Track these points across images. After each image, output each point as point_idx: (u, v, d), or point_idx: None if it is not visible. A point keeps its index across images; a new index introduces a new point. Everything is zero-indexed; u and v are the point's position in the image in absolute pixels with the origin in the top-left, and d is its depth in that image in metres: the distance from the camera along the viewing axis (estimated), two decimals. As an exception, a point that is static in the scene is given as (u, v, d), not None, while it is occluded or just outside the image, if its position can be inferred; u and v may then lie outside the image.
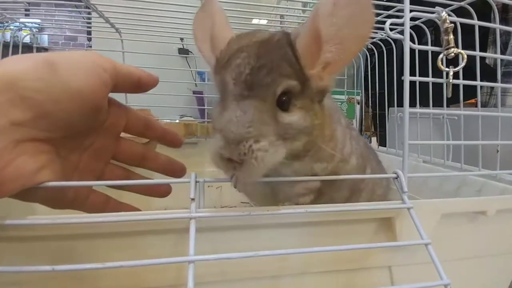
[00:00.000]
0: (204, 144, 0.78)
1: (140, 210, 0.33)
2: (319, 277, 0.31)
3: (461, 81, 0.38)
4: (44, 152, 0.24)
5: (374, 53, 0.76)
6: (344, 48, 0.24)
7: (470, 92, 0.47)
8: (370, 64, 0.80)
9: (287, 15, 1.09)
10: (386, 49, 0.73)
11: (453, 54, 0.29)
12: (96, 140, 0.30)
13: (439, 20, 0.30)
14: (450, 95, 0.32)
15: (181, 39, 0.93)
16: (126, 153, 0.33)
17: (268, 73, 0.24)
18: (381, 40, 0.73)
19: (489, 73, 0.62)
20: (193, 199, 0.24)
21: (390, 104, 0.83)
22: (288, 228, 0.29)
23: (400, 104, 0.66)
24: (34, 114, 0.22)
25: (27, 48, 0.76)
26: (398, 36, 0.29)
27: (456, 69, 0.30)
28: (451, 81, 0.30)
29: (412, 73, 0.28)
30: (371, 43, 0.73)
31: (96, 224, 0.24)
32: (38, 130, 0.23)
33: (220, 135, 0.24)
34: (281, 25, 1.06)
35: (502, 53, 0.87)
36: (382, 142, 0.93)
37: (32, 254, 0.25)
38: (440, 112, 0.46)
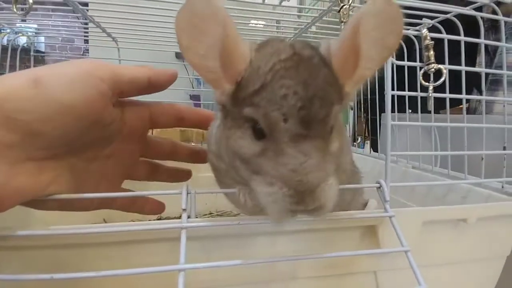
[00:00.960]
0: (199, 149, 0.79)
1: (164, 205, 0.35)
2: (308, 282, 0.33)
3: (445, 95, 0.40)
4: (47, 169, 0.24)
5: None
6: (375, 61, 0.23)
7: (458, 99, 0.48)
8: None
9: (283, 20, 1.10)
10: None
11: (433, 69, 0.30)
12: (118, 148, 0.30)
13: (421, 37, 0.31)
14: (431, 108, 0.33)
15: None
16: (154, 151, 0.34)
17: (321, 105, 0.21)
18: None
19: (477, 80, 0.63)
20: (184, 210, 0.25)
21: (382, 110, 0.85)
22: (277, 236, 0.30)
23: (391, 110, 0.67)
24: (23, 135, 0.21)
25: (24, 52, 0.77)
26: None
27: (437, 83, 0.31)
28: (430, 95, 0.31)
29: (401, 83, 0.30)
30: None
31: (91, 235, 0.25)
32: (33, 150, 0.22)
33: (283, 186, 0.21)
34: (277, 30, 1.07)
35: (491, 60, 0.89)
36: (374, 147, 0.94)
37: (28, 263, 0.26)
38: (427, 124, 0.48)
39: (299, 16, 0.94)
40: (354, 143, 0.94)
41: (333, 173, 0.23)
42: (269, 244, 0.30)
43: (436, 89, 0.38)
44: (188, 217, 0.25)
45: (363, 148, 0.97)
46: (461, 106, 0.74)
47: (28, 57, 0.78)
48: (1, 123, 0.20)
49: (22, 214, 0.27)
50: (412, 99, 0.58)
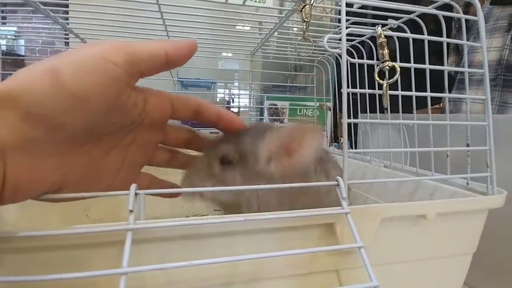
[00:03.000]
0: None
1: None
2: (270, 283, 0.32)
3: (411, 93, 0.40)
4: (67, 162, 0.24)
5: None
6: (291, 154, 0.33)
7: (433, 98, 0.49)
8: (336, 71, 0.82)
9: (265, 22, 1.11)
10: (357, 56, 0.75)
11: (387, 67, 0.31)
12: (139, 136, 0.30)
13: (376, 36, 0.31)
14: (386, 106, 0.34)
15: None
16: (172, 139, 0.34)
17: (213, 147, 0.35)
18: (352, 46, 0.75)
19: (448, 81, 0.65)
20: (131, 211, 0.25)
21: (362, 111, 0.85)
22: (234, 236, 0.30)
23: (364, 111, 0.68)
24: (45, 129, 0.21)
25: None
26: (335, 50, 0.30)
27: (391, 81, 0.32)
28: (385, 92, 0.31)
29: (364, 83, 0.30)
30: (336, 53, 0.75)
31: (39, 237, 0.24)
32: (56, 143, 0.22)
33: None
34: (259, 32, 1.08)
35: (461, 59, 0.91)
36: (354, 148, 0.94)
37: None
38: (396, 122, 0.48)
39: (279, 18, 0.94)
40: (331, 145, 0.94)
41: (198, 178, 0.35)
42: (226, 245, 0.29)
43: (404, 89, 0.39)
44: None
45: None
46: (435, 106, 0.76)
47: (8, 60, 0.75)
48: (21, 117, 0.20)
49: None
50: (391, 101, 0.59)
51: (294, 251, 0.27)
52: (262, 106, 0.94)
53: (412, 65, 0.35)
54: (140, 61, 0.24)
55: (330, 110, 0.92)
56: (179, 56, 0.26)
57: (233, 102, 1.73)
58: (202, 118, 0.33)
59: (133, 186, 0.26)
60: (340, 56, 0.34)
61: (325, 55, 0.75)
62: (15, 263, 0.25)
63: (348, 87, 0.29)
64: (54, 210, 0.63)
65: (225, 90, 1.84)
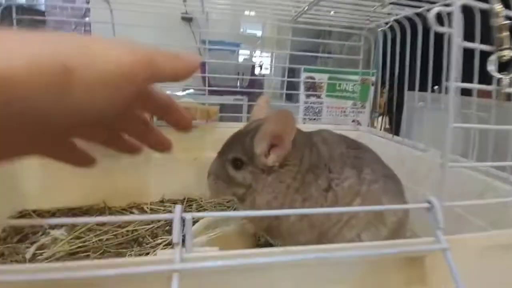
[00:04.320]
0: (204, 127, 0.73)
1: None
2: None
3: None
4: (34, 142, 0.22)
5: (396, 31, 0.66)
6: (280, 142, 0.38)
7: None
8: (390, 42, 0.70)
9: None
10: (410, 25, 0.64)
11: (508, 57, 0.22)
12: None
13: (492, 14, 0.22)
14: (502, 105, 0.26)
15: (184, 1, 0.85)
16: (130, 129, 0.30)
17: (228, 147, 0.43)
18: (405, 16, 0.63)
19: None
20: (177, 244, 0.19)
21: (411, 87, 0.75)
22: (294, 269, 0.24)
23: (423, 88, 0.58)
24: (26, 123, 0.17)
25: (22, 12, 0.68)
26: (443, 29, 0.22)
27: (514, 75, 0.23)
28: (502, 89, 0.23)
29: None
30: (394, 20, 0.64)
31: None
32: (32, 131, 0.19)
33: None
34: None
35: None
36: (397, 130, 0.85)
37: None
38: (485, 127, 0.38)
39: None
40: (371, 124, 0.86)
41: (216, 177, 0.43)
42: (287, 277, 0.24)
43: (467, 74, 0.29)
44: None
45: (374, 125, 0.88)
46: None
47: (29, 17, 0.68)
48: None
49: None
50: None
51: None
52: (298, 80, 0.84)
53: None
54: (156, 78, 0.22)
55: (372, 85, 0.82)
56: (182, 74, 0.24)
57: (260, 69, 1.62)
58: (167, 118, 0.29)
59: (178, 208, 0.20)
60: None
61: (380, 22, 0.64)
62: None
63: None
64: (74, 185, 0.61)
65: (251, 55, 1.71)
